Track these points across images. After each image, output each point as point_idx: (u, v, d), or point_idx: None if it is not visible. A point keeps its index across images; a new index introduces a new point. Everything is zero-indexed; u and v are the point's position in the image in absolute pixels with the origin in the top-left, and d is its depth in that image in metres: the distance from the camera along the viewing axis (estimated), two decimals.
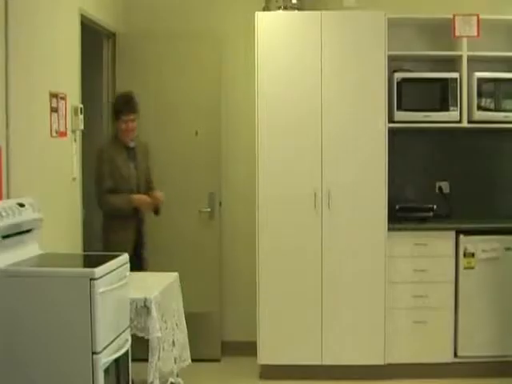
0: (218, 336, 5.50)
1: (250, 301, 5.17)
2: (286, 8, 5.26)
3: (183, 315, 4.43)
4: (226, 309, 5.61)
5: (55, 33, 4.14)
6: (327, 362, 4.83)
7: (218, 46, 5.54)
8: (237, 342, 5.51)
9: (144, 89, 5.42)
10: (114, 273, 3.26)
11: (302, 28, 5.06)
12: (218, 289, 5.55)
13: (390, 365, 5.02)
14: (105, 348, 3.10)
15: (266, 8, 5.30)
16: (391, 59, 5.16)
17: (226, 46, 5.59)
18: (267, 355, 4.95)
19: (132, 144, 4.77)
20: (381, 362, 5.01)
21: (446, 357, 5.09)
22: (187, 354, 4.45)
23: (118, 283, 3.27)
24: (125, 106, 4.64)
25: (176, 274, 4.45)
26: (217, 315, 5.51)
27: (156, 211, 4.85)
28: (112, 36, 5.46)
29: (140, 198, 4.68)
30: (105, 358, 3.09)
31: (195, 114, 5.52)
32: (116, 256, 3.41)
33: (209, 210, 5.50)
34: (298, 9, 5.29)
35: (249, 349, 5.15)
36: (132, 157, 4.77)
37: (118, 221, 4.66)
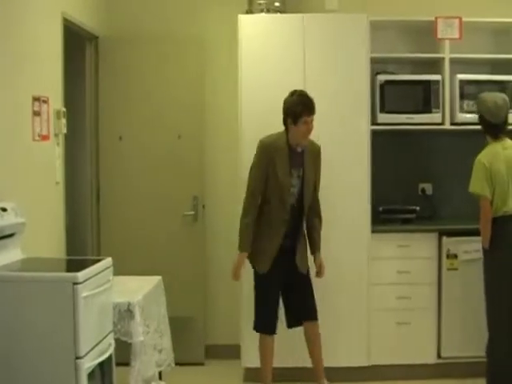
0: (201, 339, 5.48)
1: (233, 304, 5.19)
2: (268, 11, 5.27)
3: (167, 319, 4.43)
4: (210, 312, 5.60)
5: (38, 36, 4.12)
6: (311, 364, 4.81)
7: (201, 49, 5.54)
8: (220, 346, 5.50)
9: (127, 92, 5.44)
10: (98, 277, 3.26)
11: (285, 31, 5.07)
12: (202, 292, 5.54)
13: (373, 366, 5.05)
14: (88, 352, 3.10)
15: (249, 11, 5.30)
16: (374, 61, 5.18)
17: (209, 49, 5.59)
18: (251, 358, 4.91)
19: (300, 149, 4.54)
20: (365, 364, 5.04)
21: (430, 358, 5.13)
22: (171, 358, 4.45)
23: (101, 287, 3.27)
24: (306, 106, 4.43)
25: (159, 277, 4.46)
26: (200, 319, 5.49)
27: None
28: (95, 39, 5.44)
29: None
30: (88, 363, 3.09)
31: (178, 118, 5.51)
32: (99, 260, 3.40)
33: (192, 213, 5.49)
34: (281, 12, 5.30)
35: (233, 352, 5.16)
36: (298, 164, 4.52)
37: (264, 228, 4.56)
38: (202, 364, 5.45)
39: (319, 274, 4.64)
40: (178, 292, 5.16)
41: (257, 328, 4.55)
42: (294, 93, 4.47)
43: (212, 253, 5.61)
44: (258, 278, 4.55)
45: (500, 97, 4.63)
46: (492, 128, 4.55)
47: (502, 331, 4.47)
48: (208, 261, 5.60)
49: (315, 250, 4.65)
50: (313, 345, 4.61)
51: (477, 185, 4.47)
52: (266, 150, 4.44)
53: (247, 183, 4.52)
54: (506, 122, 4.60)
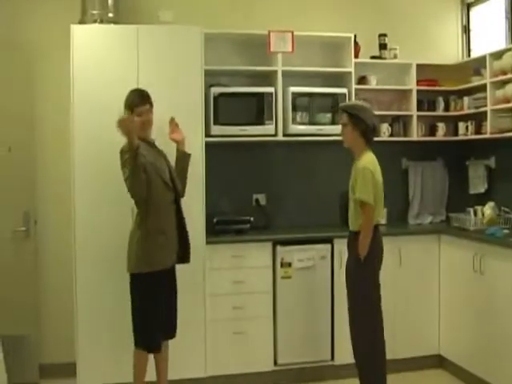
0: (35, 358, 5.25)
1: (68, 321, 5.01)
2: (102, 21, 5.17)
3: None
4: (44, 330, 5.39)
5: None
6: (154, 378, 4.74)
7: (31, 59, 5.35)
8: (56, 364, 5.30)
9: None
10: None
11: (119, 42, 4.98)
12: (35, 310, 5.32)
13: (211, 377, 5.08)
14: None
15: (82, 21, 5.18)
16: (208, 74, 5.22)
17: (39, 59, 5.40)
18: (87, 375, 4.82)
19: (151, 140, 4.55)
20: (202, 375, 5.05)
21: (267, 365, 5.22)
22: (4, 379, 4.25)
23: None
24: (139, 97, 4.43)
25: None
26: (33, 337, 5.26)
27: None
28: None
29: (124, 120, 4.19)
30: None
31: (7, 130, 5.26)
32: None
33: (24, 229, 5.26)
34: (115, 22, 5.22)
35: (68, 370, 5.01)
36: (153, 154, 4.46)
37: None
38: None
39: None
40: (10, 311, 4.96)
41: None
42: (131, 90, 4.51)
43: (45, 269, 5.41)
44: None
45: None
46: (371, 134, 4.59)
47: (381, 331, 4.54)
48: (41, 277, 5.39)
49: None
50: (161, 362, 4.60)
51: (365, 192, 4.40)
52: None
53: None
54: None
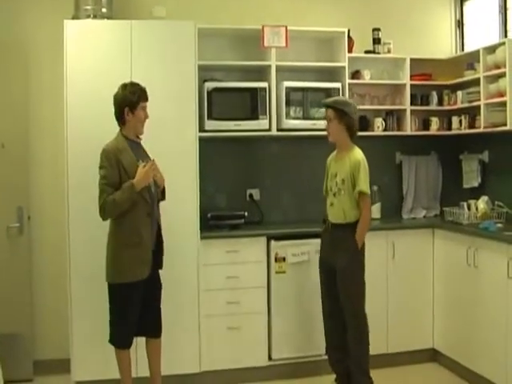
0: (29, 355, 5.24)
1: (62, 317, 5.03)
2: (95, 17, 5.15)
3: None
4: (38, 327, 5.38)
5: None
6: (142, 373, 4.70)
7: (24, 55, 5.33)
8: (49, 361, 5.30)
9: None
10: None
11: (112, 37, 4.95)
12: (29, 307, 5.30)
13: (205, 372, 5.08)
14: None
15: (76, 16, 5.15)
16: (202, 69, 5.21)
17: (33, 55, 5.39)
18: (81, 372, 4.83)
19: (139, 140, 4.49)
20: (196, 370, 5.05)
21: (261, 360, 5.23)
22: None
23: None
24: (143, 92, 4.38)
25: None
26: (28, 334, 5.25)
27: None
28: None
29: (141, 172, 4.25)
30: None
31: (1, 126, 5.25)
32: None
33: (17, 225, 5.25)
34: (108, 18, 5.20)
35: (62, 366, 5.02)
36: (141, 154, 4.43)
37: None
38: (30, 380, 5.20)
39: None
40: (3, 308, 4.97)
41: None
42: (125, 85, 4.40)
43: (39, 265, 5.39)
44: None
45: None
46: (356, 128, 4.75)
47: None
48: (34, 274, 5.37)
49: None
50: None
51: (365, 184, 4.59)
52: (111, 154, 4.28)
53: (100, 189, 4.28)
54: None
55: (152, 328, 4.51)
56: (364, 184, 4.57)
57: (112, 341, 4.39)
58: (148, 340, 4.55)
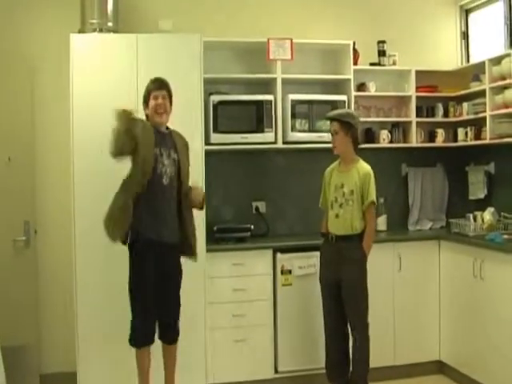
0: (35, 369, 5.25)
1: (69, 330, 5.02)
2: (101, 30, 5.19)
3: None
4: (45, 340, 5.39)
5: None
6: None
7: (31, 68, 5.35)
8: (56, 374, 5.31)
9: None
10: None
11: (118, 51, 4.98)
12: (35, 320, 5.31)
13: None
14: None
15: (82, 30, 5.19)
16: (207, 82, 5.22)
17: (39, 68, 5.41)
18: None
19: (163, 129, 4.51)
20: (203, 383, 5.03)
21: (267, 373, 5.22)
22: None
23: None
24: (153, 82, 4.51)
25: None
26: (34, 347, 5.26)
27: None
28: None
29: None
30: None
31: (7, 140, 5.25)
32: None
33: (24, 238, 5.24)
34: (114, 31, 5.24)
35: (68, 380, 5.00)
36: (165, 144, 4.44)
37: None
38: None
39: None
40: (10, 321, 4.93)
41: None
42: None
43: (45, 279, 5.40)
44: None
45: None
46: (359, 140, 4.82)
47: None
48: (41, 287, 5.38)
49: None
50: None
51: (374, 195, 4.72)
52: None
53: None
54: None
55: (167, 318, 4.48)
56: (373, 194, 4.69)
57: (131, 340, 4.33)
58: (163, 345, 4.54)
